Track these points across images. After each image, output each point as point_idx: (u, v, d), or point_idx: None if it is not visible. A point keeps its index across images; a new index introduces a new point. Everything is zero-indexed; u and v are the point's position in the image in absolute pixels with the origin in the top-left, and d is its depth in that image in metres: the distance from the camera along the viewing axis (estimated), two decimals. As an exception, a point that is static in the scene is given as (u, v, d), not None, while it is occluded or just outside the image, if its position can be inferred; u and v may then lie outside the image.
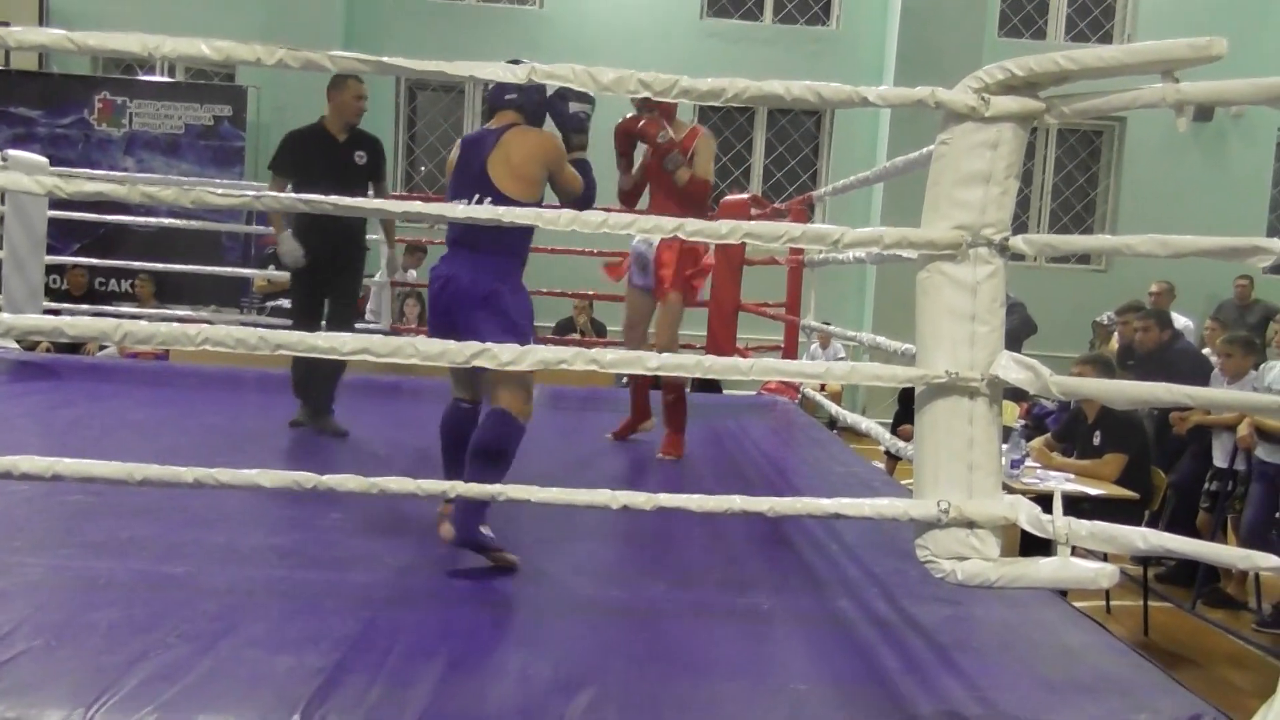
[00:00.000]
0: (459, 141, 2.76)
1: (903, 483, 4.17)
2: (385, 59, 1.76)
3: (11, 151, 5.65)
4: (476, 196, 2.52)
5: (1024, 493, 2.85)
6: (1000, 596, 2.33)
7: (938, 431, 1.82)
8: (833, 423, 7.32)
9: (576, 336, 7.40)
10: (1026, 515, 1.79)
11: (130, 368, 5.70)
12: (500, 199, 2.48)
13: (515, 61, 1.78)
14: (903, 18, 8.42)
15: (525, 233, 2.58)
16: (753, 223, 1.78)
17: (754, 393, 6.02)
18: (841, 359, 8.04)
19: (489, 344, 1.75)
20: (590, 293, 6.93)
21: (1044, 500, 1.85)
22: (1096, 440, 4.18)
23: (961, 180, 1.78)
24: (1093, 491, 3.78)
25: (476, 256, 2.55)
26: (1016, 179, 1.80)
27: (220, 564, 2.31)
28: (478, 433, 2.45)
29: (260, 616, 2.00)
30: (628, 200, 3.97)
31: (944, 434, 1.81)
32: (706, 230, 1.79)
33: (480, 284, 2.53)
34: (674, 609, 2.23)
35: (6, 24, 7.65)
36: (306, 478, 1.78)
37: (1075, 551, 1.77)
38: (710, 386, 7.05)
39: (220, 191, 1.83)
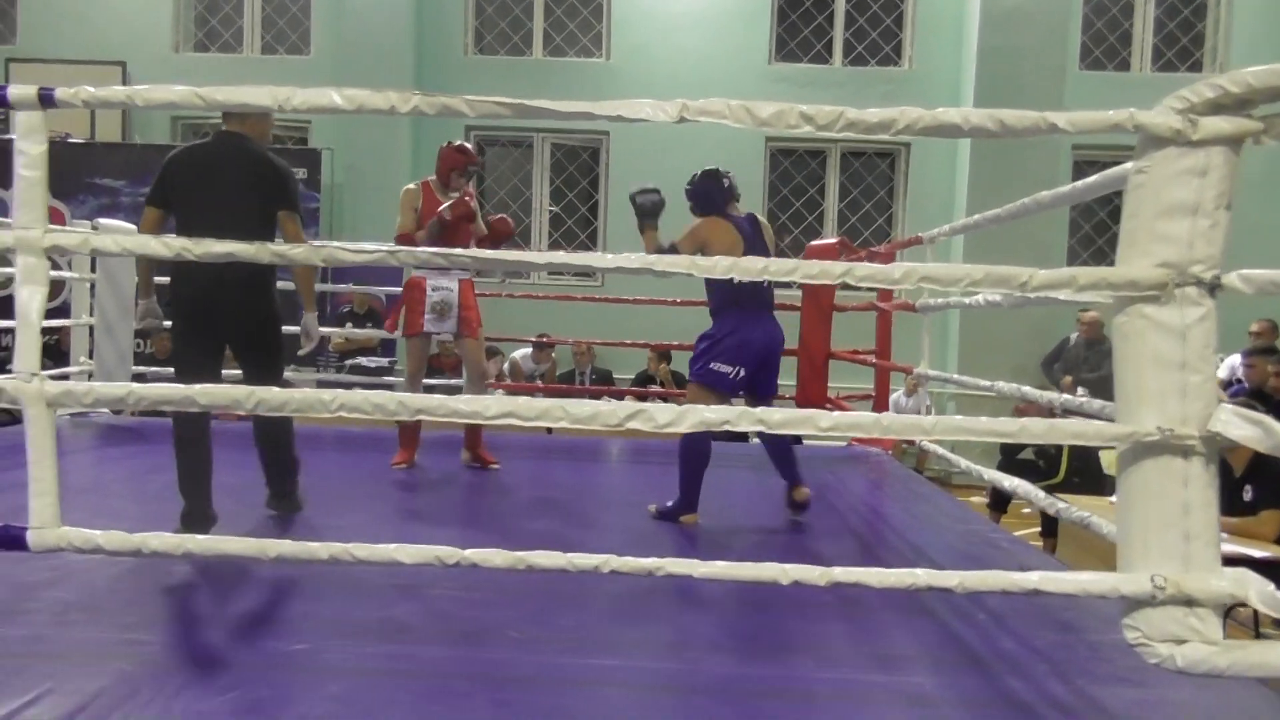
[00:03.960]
0: (731, 224, 3.46)
1: (1016, 534, 3.92)
2: (526, 101, 1.66)
3: (102, 220, 5.76)
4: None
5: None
6: (1188, 677, 2.09)
7: (1147, 496, 1.62)
8: (918, 469, 7.06)
9: (657, 388, 7.25)
10: (1258, 592, 1.57)
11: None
12: None
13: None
14: (980, 55, 8.26)
15: None
16: (929, 265, 1.61)
17: (844, 444, 5.79)
18: (928, 407, 7.77)
19: (645, 405, 1.60)
20: (673, 343, 6.70)
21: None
22: (1248, 495, 3.86)
23: (1164, 212, 1.60)
24: (1257, 553, 3.45)
25: (772, 314, 3.58)
26: (1228, 209, 1.61)
27: (337, 639, 2.18)
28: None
29: (390, 699, 1.85)
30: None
31: (1155, 499, 1.61)
32: (879, 275, 1.63)
33: (781, 333, 3.56)
34: (829, 689, 2.02)
35: (66, 136, 7.79)
36: (449, 553, 1.64)
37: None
38: (789, 436, 6.83)
39: (353, 248, 1.73)
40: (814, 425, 1.60)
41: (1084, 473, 5.64)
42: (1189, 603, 1.59)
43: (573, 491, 4.20)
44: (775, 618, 2.49)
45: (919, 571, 1.61)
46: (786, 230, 9.18)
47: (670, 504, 3.47)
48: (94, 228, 5.53)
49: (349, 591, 2.51)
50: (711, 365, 3.42)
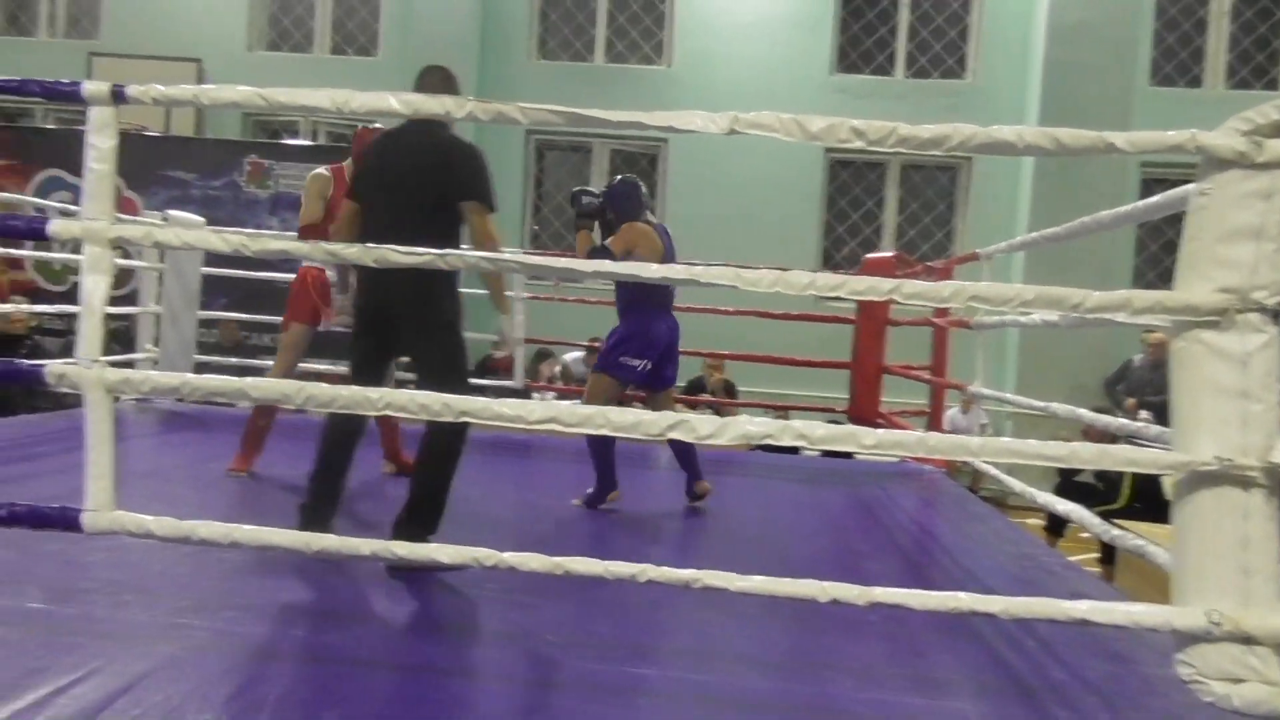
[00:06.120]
0: (654, 230, 3.70)
1: (1073, 559, 3.82)
2: (578, 110, 1.66)
3: (171, 212, 5.94)
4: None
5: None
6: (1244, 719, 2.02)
7: (1204, 528, 1.57)
8: (973, 489, 6.93)
9: (707, 397, 7.23)
10: (1317, 630, 1.52)
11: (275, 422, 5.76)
12: None
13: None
14: (1045, 69, 8.10)
15: None
16: (979, 284, 1.59)
17: (896, 460, 5.71)
18: (984, 425, 7.63)
19: (688, 415, 1.60)
20: (724, 352, 6.68)
21: None
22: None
23: (1227, 236, 1.56)
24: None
25: (671, 311, 3.83)
26: (1295, 234, 1.56)
27: (381, 634, 2.21)
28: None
29: (423, 696, 1.87)
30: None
31: (1212, 531, 1.57)
32: (927, 293, 1.61)
33: (678, 327, 3.84)
34: (868, 711, 1.99)
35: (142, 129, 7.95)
36: (488, 555, 1.66)
37: None
38: (841, 451, 6.78)
39: (404, 250, 1.75)
40: (858, 442, 1.58)
41: (1147, 498, 5.48)
42: (1247, 640, 1.53)
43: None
44: (817, 634, 2.46)
45: (962, 595, 1.59)
46: (843, 242, 9.11)
47: (591, 491, 3.72)
48: (164, 218, 5.70)
49: (390, 586, 2.54)
50: (621, 359, 3.67)
